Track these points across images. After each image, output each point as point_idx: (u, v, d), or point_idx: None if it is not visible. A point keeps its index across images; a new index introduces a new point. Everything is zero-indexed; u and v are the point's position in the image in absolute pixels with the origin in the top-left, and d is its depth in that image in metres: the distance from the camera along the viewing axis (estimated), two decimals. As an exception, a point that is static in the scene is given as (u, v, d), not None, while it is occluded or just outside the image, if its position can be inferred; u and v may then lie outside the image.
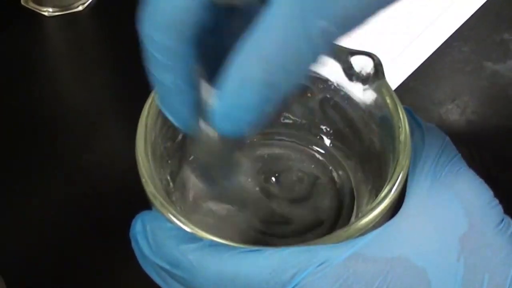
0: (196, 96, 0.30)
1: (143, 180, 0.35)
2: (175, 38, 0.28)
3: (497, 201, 0.35)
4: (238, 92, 0.26)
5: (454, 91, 0.55)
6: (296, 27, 0.24)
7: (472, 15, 0.60)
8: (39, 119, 0.54)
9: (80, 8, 0.61)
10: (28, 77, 0.57)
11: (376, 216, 0.33)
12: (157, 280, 0.34)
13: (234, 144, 0.31)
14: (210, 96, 0.29)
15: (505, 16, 0.60)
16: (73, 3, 0.61)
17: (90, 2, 0.61)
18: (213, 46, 0.30)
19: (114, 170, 0.51)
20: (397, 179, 0.34)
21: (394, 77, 0.56)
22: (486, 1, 0.60)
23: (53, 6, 0.61)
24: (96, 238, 0.47)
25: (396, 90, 0.55)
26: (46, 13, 0.61)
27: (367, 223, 0.33)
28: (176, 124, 0.31)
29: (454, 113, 0.54)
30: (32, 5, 0.61)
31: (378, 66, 0.37)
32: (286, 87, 0.26)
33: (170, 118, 0.31)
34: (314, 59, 0.25)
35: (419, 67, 0.56)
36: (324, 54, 0.25)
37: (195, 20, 0.27)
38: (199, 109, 0.30)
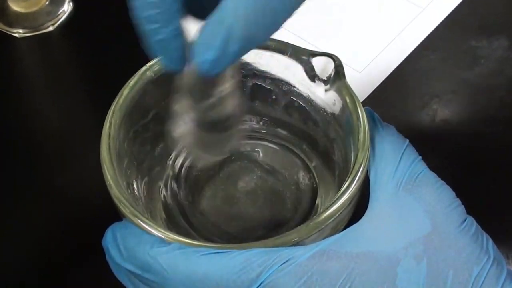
0: (185, 40, 0.32)
1: (107, 183, 0.35)
2: None
3: (459, 201, 0.35)
4: (223, 48, 0.29)
5: (423, 99, 0.55)
6: None
7: (439, 24, 0.60)
8: (12, 141, 0.54)
9: (51, 28, 0.61)
10: (0, 99, 0.57)
11: (337, 210, 0.33)
12: (130, 287, 0.34)
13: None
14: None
15: (471, 24, 0.61)
16: (43, 24, 0.61)
17: (61, 22, 0.61)
18: None
19: (87, 191, 0.51)
20: (356, 175, 0.35)
21: (364, 87, 0.56)
22: (453, 10, 0.61)
23: (23, 27, 0.61)
24: (70, 258, 0.47)
25: (366, 99, 0.55)
26: (17, 35, 0.61)
27: (328, 217, 0.33)
28: (170, 67, 0.32)
29: (424, 120, 0.54)
30: (2, 27, 0.61)
31: (338, 67, 0.38)
32: (262, 39, 0.29)
33: (165, 62, 0.32)
34: (286, 16, 0.29)
35: (388, 76, 0.57)
36: (294, 11, 0.29)
37: None
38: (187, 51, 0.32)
